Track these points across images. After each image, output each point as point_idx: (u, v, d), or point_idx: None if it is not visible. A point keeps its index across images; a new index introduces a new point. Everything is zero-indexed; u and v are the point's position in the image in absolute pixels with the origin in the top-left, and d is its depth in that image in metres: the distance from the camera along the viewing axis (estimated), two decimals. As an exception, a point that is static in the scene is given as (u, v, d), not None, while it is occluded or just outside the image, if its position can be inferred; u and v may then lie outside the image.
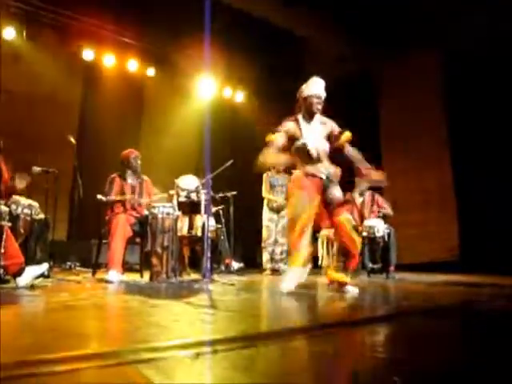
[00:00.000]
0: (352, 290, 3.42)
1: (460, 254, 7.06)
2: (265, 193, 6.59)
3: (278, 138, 3.65)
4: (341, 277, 3.52)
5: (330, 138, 3.74)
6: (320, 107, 3.73)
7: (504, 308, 2.67)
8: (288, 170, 6.65)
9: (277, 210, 6.51)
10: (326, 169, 3.67)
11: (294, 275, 3.45)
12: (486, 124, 6.67)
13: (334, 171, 3.70)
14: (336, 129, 3.77)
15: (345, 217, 3.59)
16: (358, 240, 3.60)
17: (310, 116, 3.74)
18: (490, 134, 6.62)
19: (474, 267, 6.17)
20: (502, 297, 3.29)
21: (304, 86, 3.80)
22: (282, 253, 6.46)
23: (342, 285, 3.49)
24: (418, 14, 6.85)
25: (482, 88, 6.73)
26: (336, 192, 3.65)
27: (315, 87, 3.77)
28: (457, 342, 1.73)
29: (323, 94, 3.76)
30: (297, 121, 3.76)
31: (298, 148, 3.65)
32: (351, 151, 3.76)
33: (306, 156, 3.63)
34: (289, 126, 3.72)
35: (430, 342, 1.68)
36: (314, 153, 3.62)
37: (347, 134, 3.74)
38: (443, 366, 1.30)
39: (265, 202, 6.58)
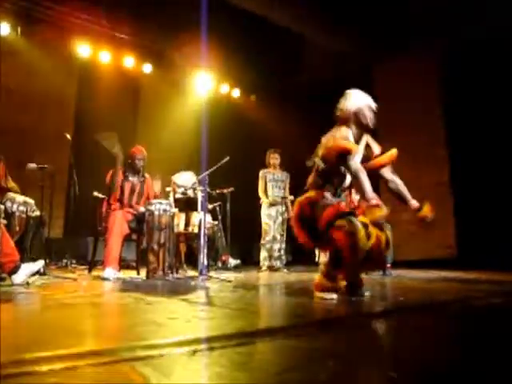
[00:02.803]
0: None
1: (457, 251, 7.08)
2: (259, 190, 6.59)
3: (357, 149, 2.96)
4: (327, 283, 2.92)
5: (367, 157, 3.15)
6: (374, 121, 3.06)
7: (501, 304, 2.67)
8: (282, 165, 6.70)
9: (272, 204, 6.49)
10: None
11: None
12: (483, 122, 6.70)
13: None
14: (376, 149, 3.18)
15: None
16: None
17: (359, 135, 3.08)
18: (487, 132, 6.65)
19: (470, 264, 6.19)
20: (500, 293, 3.30)
21: (346, 100, 3.09)
22: (279, 250, 6.45)
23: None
24: (418, 12, 6.85)
25: (479, 86, 6.76)
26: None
27: (364, 97, 3.09)
28: (454, 338, 1.72)
29: (375, 106, 3.08)
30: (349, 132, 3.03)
31: (339, 173, 3.00)
32: (398, 182, 3.18)
33: (336, 184, 3.05)
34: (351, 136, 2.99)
35: (428, 338, 1.68)
36: (348, 182, 3.03)
37: (392, 152, 3.17)
38: (441, 363, 1.29)
39: (263, 198, 6.58)
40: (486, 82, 6.65)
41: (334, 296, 2.73)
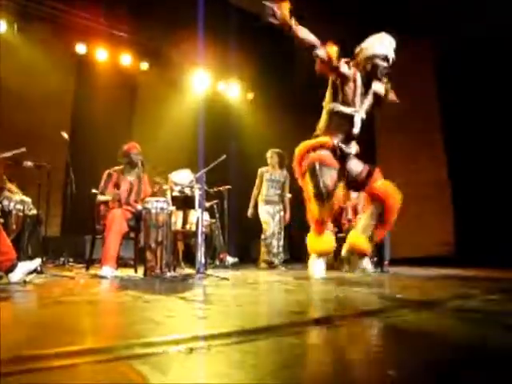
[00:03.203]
0: (367, 266, 3.18)
1: (455, 248, 7.10)
2: (255, 188, 6.60)
3: (335, 56, 2.97)
4: (364, 244, 3.20)
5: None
6: (385, 73, 3.04)
7: (499, 302, 2.68)
8: (282, 165, 6.70)
9: (267, 202, 6.50)
10: (355, 147, 3.21)
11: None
12: (481, 119, 6.70)
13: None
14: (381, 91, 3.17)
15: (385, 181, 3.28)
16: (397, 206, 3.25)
17: (368, 81, 3.08)
18: (486, 129, 6.66)
19: (468, 261, 6.20)
20: (498, 290, 3.30)
21: (367, 43, 3.08)
22: (278, 247, 6.47)
23: (360, 255, 3.24)
24: (417, 7, 6.86)
25: (478, 83, 6.76)
26: (357, 167, 3.35)
27: (382, 46, 3.03)
28: (453, 335, 1.72)
29: (392, 57, 3.03)
30: (354, 78, 3.07)
31: (341, 114, 3.08)
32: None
33: (344, 126, 3.12)
34: (348, 70, 3.01)
35: (426, 336, 1.68)
36: (356, 130, 3.13)
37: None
38: (439, 360, 1.29)
39: (259, 197, 6.58)
40: (483, 74, 6.67)
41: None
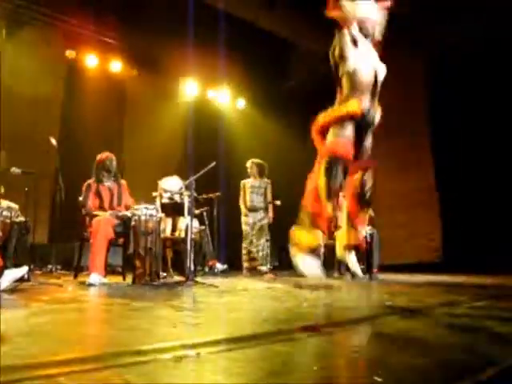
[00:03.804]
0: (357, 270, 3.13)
1: (443, 254, 7.15)
2: (240, 200, 6.77)
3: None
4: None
5: None
6: (376, 32, 3.10)
7: (487, 308, 2.70)
8: (262, 174, 6.77)
9: (250, 209, 6.63)
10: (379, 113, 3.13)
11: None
12: (468, 126, 6.79)
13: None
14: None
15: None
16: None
17: (363, 36, 3.09)
18: (472, 136, 6.73)
19: (456, 267, 6.25)
20: (485, 297, 3.33)
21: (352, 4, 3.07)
22: (257, 252, 6.54)
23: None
24: (404, 18, 6.93)
25: (463, 91, 6.84)
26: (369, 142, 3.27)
27: (363, 8, 3.07)
28: (440, 342, 1.74)
29: (377, 18, 3.07)
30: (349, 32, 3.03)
31: (363, 70, 2.99)
32: None
33: (368, 84, 3.03)
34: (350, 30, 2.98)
35: (414, 342, 1.69)
36: (381, 77, 3.02)
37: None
38: (426, 366, 1.30)
39: (243, 206, 6.69)
40: (470, 87, 6.75)
41: None
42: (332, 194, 3.02)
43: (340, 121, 3.10)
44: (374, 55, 3.17)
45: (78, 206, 4.85)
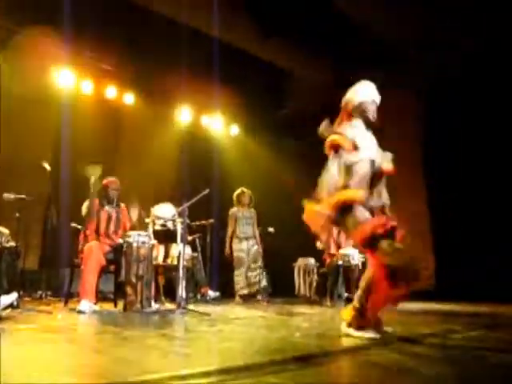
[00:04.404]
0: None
1: (436, 283, 7.13)
2: (229, 229, 6.75)
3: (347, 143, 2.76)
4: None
5: None
6: (376, 116, 3.01)
7: (481, 339, 2.69)
8: (250, 204, 6.80)
9: (242, 239, 6.65)
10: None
11: None
12: (460, 153, 6.88)
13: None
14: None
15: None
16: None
17: (366, 125, 3.00)
18: (464, 165, 6.81)
19: (449, 295, 6.24)
20: (478, 327, 3.33)
21: (353, 92, 3.05)
22: (256, 276, 6.49)
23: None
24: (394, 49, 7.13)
25: (455, 116, 6.98)
26: None
27: (370, 91, 3.04)
28: (435, 373, 1.72)
29: (379, 98, 3.04)
30: (352, 126, 2.92)
31: (357, 165, 2.75)
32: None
33: (368, 179, 2.80)
34: (349, 132, 2.86)
35: (409, 372, 1.68)
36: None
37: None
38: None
39: (234, 235, 6.68)
40: (463, 112, 6.89)
41: (374, 335, 2.51)
42: None
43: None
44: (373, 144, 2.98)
45: (69, 231, 4.82)
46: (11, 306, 3.47)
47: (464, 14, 6.26)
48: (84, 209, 4.79)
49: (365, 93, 3.02)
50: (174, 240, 4.76)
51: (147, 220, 5.06)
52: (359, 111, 2.98)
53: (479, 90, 6.71)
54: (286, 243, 7.30)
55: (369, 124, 3.02)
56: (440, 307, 5.35)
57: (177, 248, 4.76)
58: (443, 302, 5.92)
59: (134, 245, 4.34)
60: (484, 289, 6.02)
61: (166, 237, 5.03)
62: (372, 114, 3.00)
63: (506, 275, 6.11)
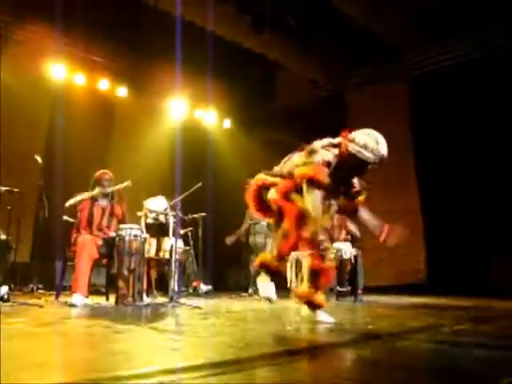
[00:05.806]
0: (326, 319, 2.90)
1: (427, 276, 7.19)
2: (244, 224, 6.73)
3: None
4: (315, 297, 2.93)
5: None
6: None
7: (468, 332, 2.72)
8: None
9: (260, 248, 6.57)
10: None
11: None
12: (451, 147, 6.91)
13: None
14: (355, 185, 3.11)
15: None
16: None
17: (347, 174, 3.03)
18: (456, 160, 6.84)
19: (440, 289, 6.30)
20: (467, 320, 3.36)
21: (364, 138, 2.96)
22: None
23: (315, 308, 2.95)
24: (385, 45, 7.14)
25: (446, 114, 6.99)
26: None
27: (384, 149, 2.95)
28: (423, 367, 1.74)
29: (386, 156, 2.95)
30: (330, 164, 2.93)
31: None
32: (365, 214, 3.22)
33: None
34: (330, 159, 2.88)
35: (398, 366, 1.69)
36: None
37: (363, 196, 3.20)
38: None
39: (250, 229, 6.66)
40: (451, 108, 6.92)
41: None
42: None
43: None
44: None
45: (61, 224, 4.79)
46: (1, 299, 3.45)
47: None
48: (71, 201, 4.76)
49: (381, 150, 2.93)
50: (167, 233, 4.75)
51: (139, 213, 5.04)
52: (352, 161, 2.94)
53: (473, 86, 6.72)
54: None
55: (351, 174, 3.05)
56: (430, 301, 5.40)
57: (169, 241, 4.76)
58: (434, 296, 5.97)
59: (127, 238, 4.34)
60: (474, 283, 6.08)
61: (158, 230, 5.02)
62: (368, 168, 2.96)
63: (496, 270, 6.19)
